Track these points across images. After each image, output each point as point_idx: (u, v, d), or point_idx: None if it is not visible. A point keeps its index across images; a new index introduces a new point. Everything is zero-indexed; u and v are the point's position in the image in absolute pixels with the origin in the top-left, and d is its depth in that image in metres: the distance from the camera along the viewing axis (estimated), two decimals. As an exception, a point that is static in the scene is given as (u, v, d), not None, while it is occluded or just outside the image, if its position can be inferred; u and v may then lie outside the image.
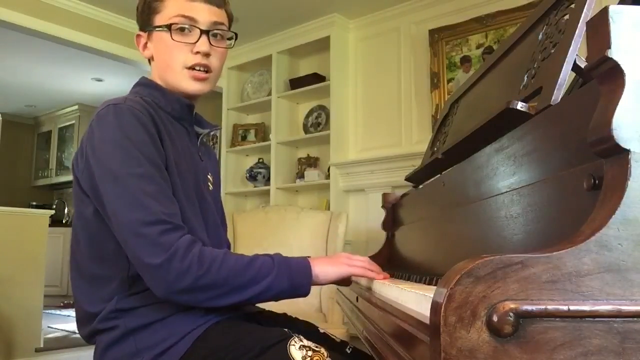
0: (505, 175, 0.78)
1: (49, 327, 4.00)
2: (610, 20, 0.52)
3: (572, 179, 0.60)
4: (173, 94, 1.07)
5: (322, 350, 0.93)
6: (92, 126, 0.95)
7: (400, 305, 0.73)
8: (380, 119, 3.51)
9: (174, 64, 1.04)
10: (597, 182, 0.53)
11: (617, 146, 0.49)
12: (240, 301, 0.91)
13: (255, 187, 3.99)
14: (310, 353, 0.91)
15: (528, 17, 1.03)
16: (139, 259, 0.86)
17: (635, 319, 0.46)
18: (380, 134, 3.50)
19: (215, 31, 1.05)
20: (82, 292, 1.00)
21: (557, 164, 0.64)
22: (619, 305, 0.47)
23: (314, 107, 3.85)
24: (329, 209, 3.48)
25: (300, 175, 3.76)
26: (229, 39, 1.10)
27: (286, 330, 0.98)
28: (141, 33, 1.09)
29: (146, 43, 1.09)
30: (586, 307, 0.46)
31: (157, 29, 1.04)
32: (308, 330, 1.12)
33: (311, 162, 3.83)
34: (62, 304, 5.55)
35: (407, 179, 1.65)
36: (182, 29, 1.03)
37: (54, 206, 6.14)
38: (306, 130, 3.83)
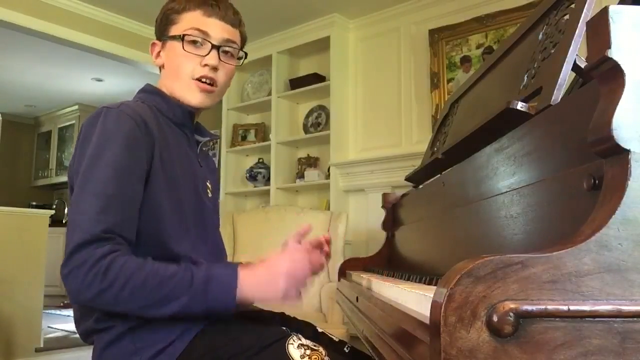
0: (505, 175, 0.79)
1: (49, 327, 4.00)
2: (610, 20, 0.52)
3: (572, 179, 0.60)
4: (175, 100, 1.08)
5: (320, 349, 0.93)
6: (81, 127, 0.98)
7: (400, 305, 0.73)
8: (380, 119, 3.51)
9: (182, 73, 1.06)
10: (597, 182, 0.54)
11: (617, 146, 0.49)
12: (150, 317, 0.88)
13: (255, 187, 3.99)
14: (308, 352, 0.92)
15: (528, 17, 1.03)
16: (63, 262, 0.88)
17: (635, 319, 0.46)
18: (380, 134, 3.50)
19: (226, 48, 1.08)
20: None
21: (557, 164, 0.64)
22: (619, 305, 0.47)
23: (314, 107, 3.85)
24: (329, 209, 3.48)
25: (300, 175, 3.76)
26: (239, 58, 1.13)
27: (284, 328, 0.98)
28: (156, 42, 1.12)
29: (159, 52, 1.11)
30: (586, 307, 0.46)
31: (171, 38, 1.07)
32: (306, 329, 1.12)
33: (311, 162, 3.83)
34: (62, 304, 5.55)
35: (407, 179, 1.65)
36: (194, 42, 1.05)
37: (54, 206, 6.14)
38: (306, 130, 3.83)
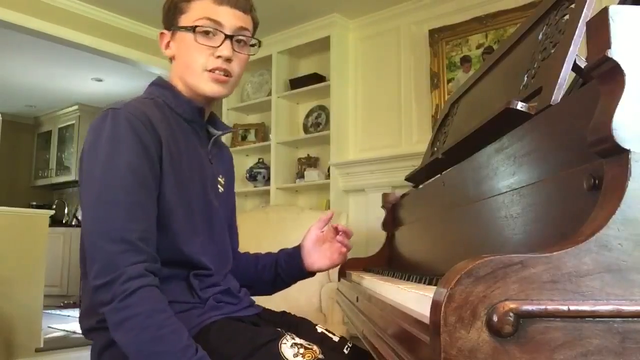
0: (505, 175, 0.79)
1: (49, 327, 4.00)
2: (610, 20, 0.52)
3: (572, 179, 0.60)
4: (185, 96, 1.07)
5: (315, 347, 0.94)
6: (88, 130, 0.96)
7: (400, 305, 0.74)
8: (380, 119, 3.51)
9: (195, 65, 1.03)
10: (597, 182, 0.54)
11: (617, 146, 0.49)
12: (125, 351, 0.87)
13: (255, 187, 3.99)
14: (302, 350, 0.92)
15: (528, 17, 1.03)
16: (90, 273, 0.87)
17: (635, 319, 0.46)
18: (380, 134, 3.50)
19: (240, 37, 1.05)
20: (86, 285, 0.99)
21: (557, 164, 0.64)
22: (619, 305, 0.47)
23: (314, 107, 3.85)
24: (329, 209, 3.48)
25: (300, 175, 3.76)
26: (252, 45, 1.10)
27: (278, 329, 0.98)
28: (165, 32, 1.09)
29: (169, 42, 1.08)
30: (586, 307, 0.46)
31: (181, 29, 1.04)
32: (306, 328, 1.12)
33: (311, 162, 3.82)
34: (62, 304, 5.56)
35: (407, 179, 1.65)
36: (206, 32, 1.02)
37: (54, 206, 6.14)
38: (306, 130, 3.83)
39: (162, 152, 0.96)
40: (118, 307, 0.84)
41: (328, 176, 3.57)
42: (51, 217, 3.49)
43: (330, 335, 1.12)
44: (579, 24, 0.77)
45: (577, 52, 0.77)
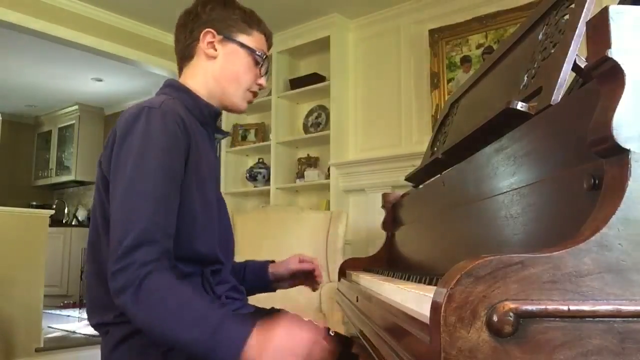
0: (505, 175, 0.78)
1: (49, 327, 4.00)
2: (610, 20, 0.52)
3: (572, 179, 0.60)
4: (203, 99, 1.12)
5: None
6: (121, 124, 0.98)
7: (400, 305, 0.73)
8: (380, 119, 3.51)
9: (241, 81, 1.15)
10: (597, 182, 0.53)
11: (617, 146, 0.49)
12: (154, 338, 0.88)
13: (255, 187, 3.99)
14: None
15: (528, 17, 1.03)
16: (111, 259, 0.88)
17: (635, 319, 0.46)
18: (380, 134, 3.50)
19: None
20: (100, 279, 1.00)
21: (557, 164, 0.64)
22: (619, 305, 0.47)
23: (314, 107, 3.85)
24: (329, 209, 3.48)
25: (300, 175, 3.76)
26: None
27: None
28: (214, 32, 1.12)
29: (214, 43, 1.13)
30: (586, 307, 0.46)
31: (239, 45, 1.13)
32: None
33: (311, 162, 3.83)
34: (62, 304, 5.56)
35: (407, 179, 1.65)
36: (257, 62, 1.15)
37: (54, 206, 6.14)
38: (306, 130, 3.83)
39: (190, 152, 1.00)
40: (137, 289, 0.85)
41: (328, 176, 3.57)
42: (51, 217, 3.49)
43: (315, 323, 1.14)
44: (579, 24, 0.77)
45: (577, 52, 0.77)
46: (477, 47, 3.10)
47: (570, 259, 0.48)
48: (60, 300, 5.63)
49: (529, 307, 0.46)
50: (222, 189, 3.98)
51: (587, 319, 0.46)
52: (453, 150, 1.19)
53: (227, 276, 1.13)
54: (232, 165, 4.17)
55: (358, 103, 3.65)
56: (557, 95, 0.73)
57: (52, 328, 4.04)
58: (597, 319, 0.46)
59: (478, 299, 0.46)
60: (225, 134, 1.24)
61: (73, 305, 5.52)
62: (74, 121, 6.52)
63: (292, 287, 1.39)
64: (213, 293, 1.04)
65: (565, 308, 0.46)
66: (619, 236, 0.48)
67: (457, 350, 0.45)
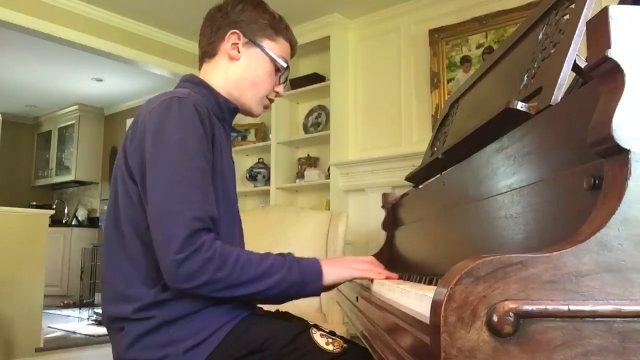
0: (505, 175, 0.79)
1: (49, 327, 4.00)
2: (610, 20, 0.52)
3: (572, 179, 0.60)
4: (223, 96, 1.12)
5: (338, 339, 1.02)
6: (152, 113, 0.98)
7: (400, 305, 0.73)
8: (380, 119, 3.51)
9: (260, 87, 1.16)
10: (597, 182, 0.53)
11: (617, 146, 0.49)
12: (253, 293, 0.93)
13: (255, 187, 3.99)
14: (330, 340, 1.01)
15: (528, 17, 1.03)
16: (166, 250, 0.88)
17: (635, 319, 0.46)
18: (380, 134, 3.50)
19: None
20: (121, 271, 1.01)
21: (557, 164, 0.64)
22: (619, 305, 0.47)
23: (314, 107, 3.85)
24: (329, 209, 3.48)
25: (300, 175, 3.76)
26: None
27: (303, 322, 1.07)
28: (239, 34, 1.12)
29: (238, 45, 1.13)
30: (586, 307, 0.46)
31: (262, 50, 1.13)
32: (300, 321, 1.15)
33: (311, 162, 3.82)
34: (62, 304, 5.56)
35: (407, 179, 1.65)
36: (280, 69, 1.17)
37: (54, 206, 6.14)
38: (306, 130, 3.83)
39: (214, 144, 1.01)
40: (218, 265, 0.89)
41: (328, 176, 3.57)
42: (51, 217, 3.49)
43: (321, 328, 1.15)
44: (579, 24, 0.77)
45: (577, 52, 0.77)
46: (477, 47, 3.10)
47: (570, 259, 0.48)
48: (60, 300, 5.63)
49: (529, 307, 0.46)
50: (222, 189, 3.99)
51: (587, 319, 0.46)
52: (453, 150, 1.19)
53: None
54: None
55: (358, 103, 3.65)
56: (557, 95, 0.73)
57: (52, 328, 4.04)
58: (597, 319, 0.46)
59: (478, 298, 0.46)
60: (240, 132, 1.25)
61: (73, 305, 5.52)
62: (74, 121, 6.52)
63: None
64: None
65: (565, 308, 0.46)
66: (619, 236, 0.48)
67: (457, 350, 0.45)
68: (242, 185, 4.14)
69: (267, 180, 3.89)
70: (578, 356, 0.45)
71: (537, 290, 0.47)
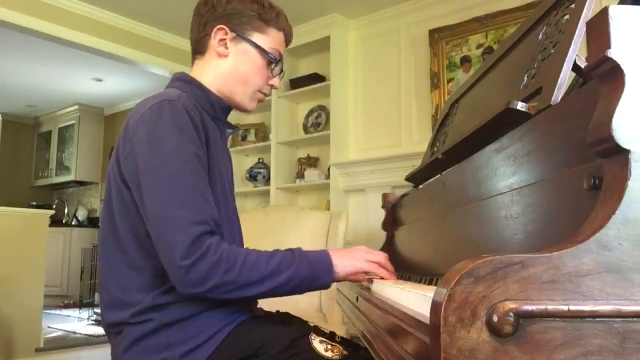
0: (505, 175, 0.78)
1: (49, 327, 4.00)
2: (610, 20, 0.52)
3: (572, 179, 0.60)
4: (215, 94, 1.10)
5: (337, 345, 1.01)
6: (143, 118, 0.95)
7: (400, 305, 0.73)
8: (380, 119, 3.51)
9: (251, 82, 1.12)
10: (597, 182, 0.53)
11: (617, 146, 0.49)
12: (265, 292, 0.93)
13: (255, 187, 3.99)
14: (329, 346, 1.00)
15: (528, 17, 1.03)
16: (172, 257, 0.87)
17: (635, 319, 0.46)
18: (380, 134, 3.50)
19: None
20: (120, 277, 1.00)
21: (557, 164, 0.64)
22: (619, 305, 0.47)
23: (314, 107, 3.85)
24: (329, 209, 3.48)
25: (300, 175, 3.76)
26: None
27: (302, 327, 1.06)
28: (226, 29, 1.09)
29: (226, 41, 1.10)
30: (586, 307, 0.46)
31: (251, 44, 1.09)
32: (300, 324, 1.15)
33: (311, 162, 3.82)
34: (62, 304, 5.56)
35: (407, 179, 1.65)
36: (273, 62, 1.12)
37: (54, 206, 6.14)
38: (306, 130, 3.83)
39: (208, 146, 1.00)
40: (227, 267, 0.88)
41: (328, 176, 3.57)
42: (51, 217, 3.49)
43: (321, 329, 1.14)
44: (579, 24, 0.77)
45: (577, 52, 0.77)
46: (477, 47, 3.10)
47: (570, 259, 0.48)
48: (60, 300, 5.63)
49: (529, 307, 0.46)
50: (222, 189, 3.98)
51: (587, 319, 0.46)
52: (453, 150, 1.19)
53: None
54: (232, 165, 4.17)
55: (358, 103, 3.65)
56: (557, 95, 0.73)
57: (52, 328, 4.04)
58: (597, 319, 0.46)
59: (478, 299, 0.46)
60: (235, 128, 1.21)
61: (73, 305, 5.52)
62: (74, 121, 6.52)
63: None
64: None
65: (565, 308, 0.46)
66: (619, 236, 0.48)
67: (457, 350, 0.45)
68: (242, 185, 4.14)
69: (267, 181, 3.89)
70: (578, 356, 0.45)
71: (537, 291, 0.47)
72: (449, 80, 3.18)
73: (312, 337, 1.00)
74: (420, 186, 1.61)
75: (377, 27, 3.59)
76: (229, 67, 1.10)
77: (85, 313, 4.74)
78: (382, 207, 1.77)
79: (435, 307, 0.48)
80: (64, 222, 6.43)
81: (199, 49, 1.12)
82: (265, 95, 1.16)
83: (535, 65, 0.86)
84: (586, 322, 0.46)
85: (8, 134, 6.43)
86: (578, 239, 0.49)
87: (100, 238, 1.06)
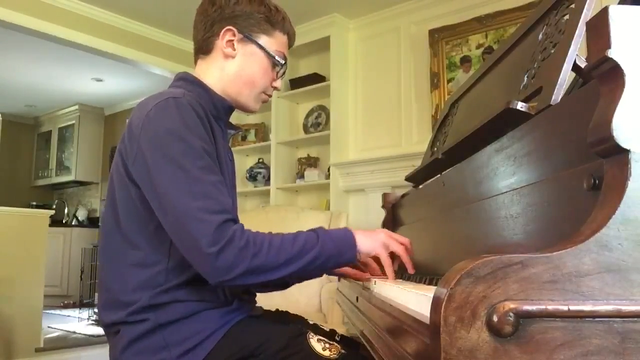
0: (505, 175, 0.78)
1: (49, 327, 4.00)
2: (610, 20, 0.52)
3: (572, 179, 0.60)
4: (218, 94, 1.10)
5: (335, 344, 1.01)
6: (149, 116, 0.95)
7: (400, 305, 0.73)
8: (380, 119, 3.51)
9: (257, 84, 1.13)
10: (597, 182, 0.53)
11: (617, 146, 0.49)
12: (292, 272, 0.93)
13: (255, 187, 3.99)
14: (327, 345, 1.00)
15: (528, 17, 1.03)
16: (198, 247, 0.87)
17: (635, 319, 0.46)
18: (380, 134, 3.50)
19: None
20: (120, 275, 0.99)
21: (557, 164, 0.64)
22: (619, 305, 0.47)
23: (314, 107, 3.85)
24: (329, 209, 3.48)
25: (300, 175, 3.76)
26: None
27: (300, 326, 1.07)
28: (234, 30, 1.09)
29: (233, 42, 1.10)
30: (586, 307, 0.46)
31: (258, 46, 1.10)
32: (299, 323, 1.16)
33: (311, 162, 3.82)
34: (62, 304, 5.56)
35: (407, 179, 1.65)
36: (278, 64, 1.13)
37: (54, 206, 6.14)
38: (306, 130, 3.83)
39: (213, 143, 1.01)
40: (255, 251, 0.89)
41: (328, 176, 3.57)
42: (51, 217, 3.49)
43: (321, 326, 1.15)
44: (579, 24, 0.77)
45: (577, 52, 0.77)
46: (477, 47, 3.10)
47: (570, 259, 0.48)
48: (60, 300, 5.63)
49: (529, 307, 0.46)
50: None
51: (587, 319, 0.46)
52: (453, 150, 1.19)
53: None
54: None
55: (358, 103, 3.65)
56: (557, 95, 0.73)
57: (52, 328, 4.04)
58: (597, 319, 0.46)
59: (478, 299, 0.46)
60: (237, 129, 1.22)
61: (73, 305, 5.52)
62: (74, 121, 6.52)
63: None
64: (224, 296, 1.02)
65: (565, 308, 0.46)
66: (619, 236, 0.48)
67: (457, 350, 0.45)
68: (242, 185, 4.14)
69: (267, 181, 3.89)
70: (578, 356, 0.45)
71: (537, 291, 0.47)
72: (449, 80, 3.18)
73: (310, 336, 1.00)
74: (420, 186, 1.61)
75: (377, 27, 3.59)
76: (236, 68, 1.10)
77: (85, 313, 4.74)
78: (382, 207, 1.77)
79: (435, 307, 0.48)
80: (64, 222, 6.43)
81: (204, 48, 1.12)
82: (269, 96, 1.18)
83: (535, 65, 0.86)
84: (586, 322, 0.46)
85: (8, 134, 6.43)
86: (578, 239, 0.49)
87: (101, 236, 1.05)
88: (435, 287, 0.50)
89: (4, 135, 6.13)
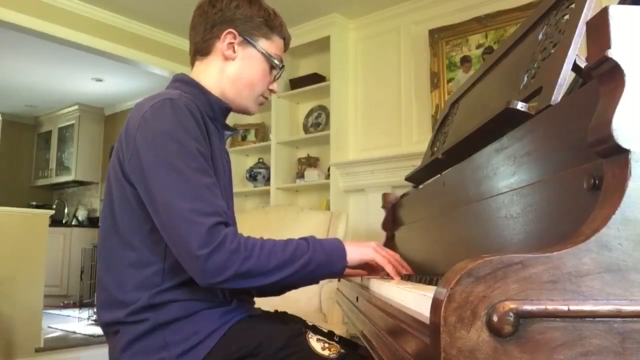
0: (505, 175, 0.78)
1: (49, 327, 4.00)
2: (610, 20, 0.52)
3: (572, 179, 0.60)
4: (215, 95, 1.11)
5: (334, 343, 1.02)
6: (145, 117, 0.96)
7: (400, 305, 0.73)
8: (380, 119, 3.51)
9: (256, 87, 1.14)
10: (597, 182, 0.53)
11: (617, 146, 0.49)
12: (282, 278, 0.93)
13: (255, 187, 3.99)
14: (327, 345, 1.00)
15: (528, 17, 1.03)
16: (188, 249, 0.87)
17: (635, 319, 0.46)
18: (380, 134, 3.50)
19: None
20: (119, 275, 1.00)
21: (557, 164, 0.64)
22: (619, 305, 0.47)
23: (314, 107, 3.85)
24: (329, 209, 3.48)
25: (300, 175, 3.76)
26: None
27: (299, 326, 1.06)
28: (235, 33, 1.10)
29: (234, 45, 1.11)
30: (586, 307, 0.46)
31: (261, 51, 1.12)
32: (297, 323, 1.16)
33: (311, 162, 3.82)
34: (62, 304, 5.56)
35: (407, 179, 1.65)
36: (276, 67, 1.16)
37: (54, 206, 6.14)
38: (306, 130, 3.83)
39: (209, 144, 1.01)
40: (245, 255, 0.89)
41: (328, 176, 3.57)
42: (51, 217, 3.49)
43: (320, 328, 1.15)
44: (579, 24, 0.77)
45: (577, 52, 0.77)
46: (477, 47, 3.10)
47: (570, 259, 0.48)
48: (60, 300, 5.63)
49: (529, 307, 0.46)
50: (222, 189, 3.98)
51: (587, 319, 0.46)
52: (453, 150, 1.19)
53: None
54: (231, 165, 4.16)
55: (358, 103, 3.65)
56: (557, 95, 0.73)
57: (52, 328, 4.04)
58: (597, 319, 0.46)
59: (478, 299, 0.46)
60: (234, 131, 1.22)
61: (73, 305, 5.52)
62: (74, 121, 6.52)
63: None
64: (224, 296, 1.03)
65: (565, 308, 0.46)
66: (619, 236, 0.48)
67: (457, 350, 0.45)
68: (242, 185, 4.14)
69: (267, 181, 3.89)
70: (578, 356, 0.45)
71: (537, 291, 0.47)
72: (449, 80, 3.18)
73: (310, 336, 1.00)
74: (420, 186, 1.61)
75: (377, 27, 3.59)
76: (236, 70, 1.11)
77: (85, 313, 4.74)
78: (382, 207, 1.77)
79: (435, 307, 0.48)
80: (64, 222, 6.43)
81: (202, 50, 1.12)
82: (266, 99, 1.20)
83: (535, 65, 0.86)
84: (586, 322, 0.46)
85: (8, 134, 6.43)
86: (578, 239, 0.49)
87: (100, 236, 1.06)
88: (435, 287, 0.50)
89: (4, 135, 6.13)
